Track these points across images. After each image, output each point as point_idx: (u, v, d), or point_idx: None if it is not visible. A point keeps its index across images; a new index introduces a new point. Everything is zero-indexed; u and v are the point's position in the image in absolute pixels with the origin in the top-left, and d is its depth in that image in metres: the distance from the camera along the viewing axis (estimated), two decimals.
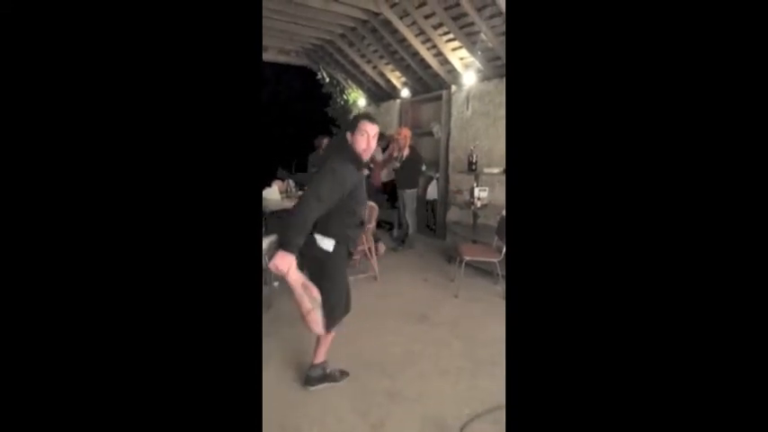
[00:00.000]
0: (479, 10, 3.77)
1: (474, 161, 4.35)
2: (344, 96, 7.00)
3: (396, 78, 5.97)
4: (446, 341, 2.62)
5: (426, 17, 4.31)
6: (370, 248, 3.80)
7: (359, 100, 6.86)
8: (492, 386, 2.11)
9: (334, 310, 1.89)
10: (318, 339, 2.03)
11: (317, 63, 6.69)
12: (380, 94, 6.44)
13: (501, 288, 3.50)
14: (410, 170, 4.66)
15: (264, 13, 4.36)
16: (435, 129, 5.63)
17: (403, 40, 4.87)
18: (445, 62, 4.92)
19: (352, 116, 1.93)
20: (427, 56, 4.90)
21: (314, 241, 1.79)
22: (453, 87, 5.19)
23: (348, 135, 1.85)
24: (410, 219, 4.78)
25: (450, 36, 4.43)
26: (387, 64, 5.77)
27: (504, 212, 3.55)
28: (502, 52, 4.06)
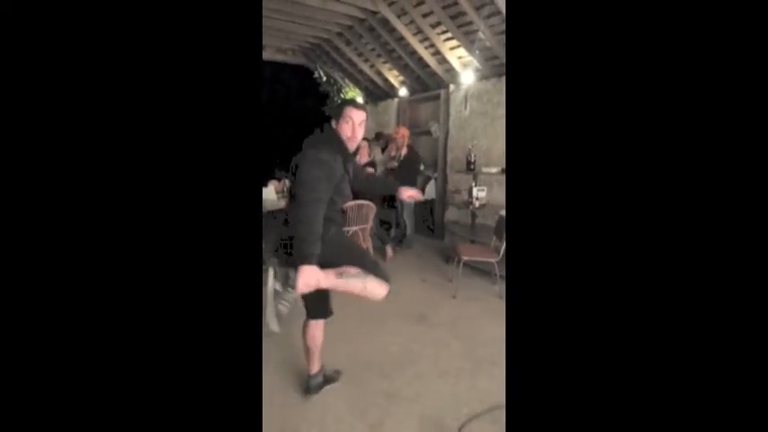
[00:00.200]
0: (477, 9, 3.76)
1: (472, 160, 4.34)
2: (342, 95, 6.99)
3: (393, 77, 5.96)
4: (444, 341, 2.62)
5: (424, 16, 4.31)
6: (368, 248, 3.79)
7: (356, 99, 6.85)
8: (491, 386, 2.11)
9: (375, 265, 1.76)
10: (309, 349, 1.93)
11: (314, 62, 6.68)
12: (378, 92, 6.43)
13: (499, 288, 3.50)
14: (408, 170, 4.65)
15: (263, 12, 4.34)
16: (433, 128, 5.63)
17: (401, 39, 4.86)
18: (443, 61, 4.91)
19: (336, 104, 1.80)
20: (425, 54, 4.89)
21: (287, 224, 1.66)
22: (451, 86, 5.19)
23: (333, 122, 1.70)
24: (408, 219, 4.77)
25: (449, 35, 4.43)
26: (384, 63, 5.76)
27: (502, 212, 3.55)
28: (500, 51, 4.06)
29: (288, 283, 1.48)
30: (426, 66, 5.12)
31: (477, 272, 3.89)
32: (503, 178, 4.20)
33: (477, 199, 4.19)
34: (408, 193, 2.05)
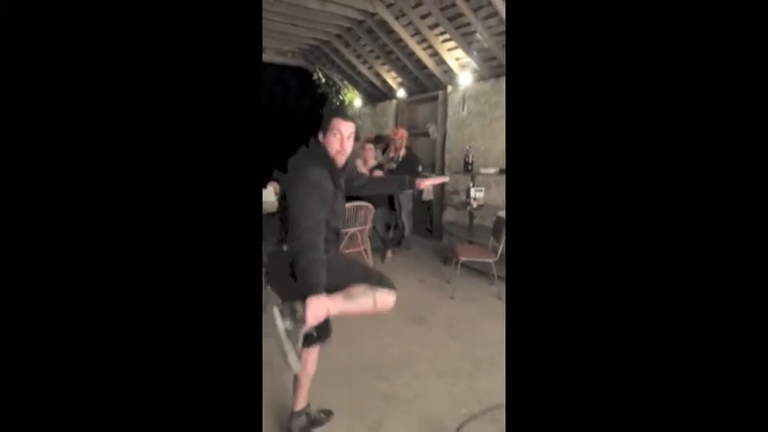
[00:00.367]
0: (475, 10, 3.77)
1: (470, 161, 4.35)
2: (340, 97, 7.00)
3: (392, 79, 5.97)
4: (443, 342, 2.62)
5: (422, 17, 4.31)
6: (366, 250, 3.79)
7: (355, 100, 6.86)
8: (489, 386, 2.11)
9: (382, 279, 1.66)
10: (297, 381, 1.74)
11: (313, 63, 6.68)
12: (376, 94, 6.44)
13: (497, 288, 3.51)
14: (407, 170, 4.64)
15: (263, 14, 4.35)
16: (431, 129, 5.64)
17: (399, 41, 4.87)
18: (441, 62, 4.92)
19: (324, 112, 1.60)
20: (423, 56, 4.90)
21: (288, 255, 1.50)
22: (449, 88, 5.20)
23: (320, 136, 1.57)
24: (406, 220, 4.77)
25: (447, 36, 4.44)
26: (383, 64, 5.76)
27: (499, 213, 3.56)
28: (498, 52, 4.07)
29: (296, 317, 1.36)
30: (424, 67, 5.13)
31: (475, 272, 3.89)
32: (500, 179, 4.21)
33: (474, 200, 4.19)
34: (427, 182, 1.98)
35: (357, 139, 1.64)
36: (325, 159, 1.55)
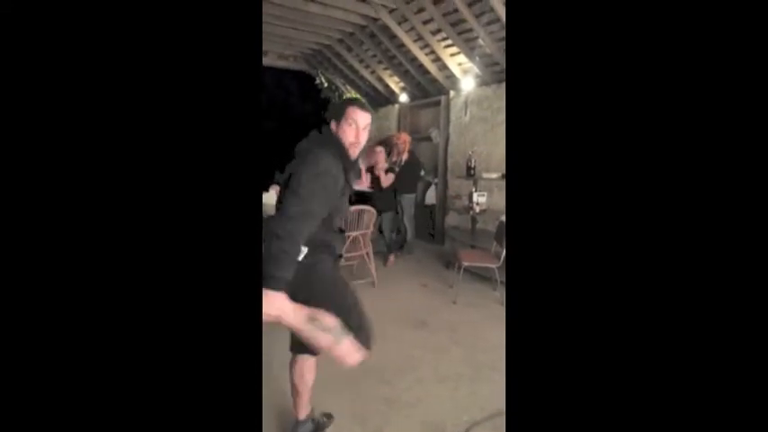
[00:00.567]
0: (478, 16, 3.79)
1: (472, 166, 4.36)
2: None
3: (394, 83, 6.00)
4: (445, 347, 2.61)
5: (425, 23, 4.33)
6: (368, 253, 3.79)
7: (360, 98, 6.86)
8: (491, 392, 2.10)
9: (362, 324, 1.42)
10: (297, 390, 1.64)
11: (315, 68, 6.72)
12: (379, 98, 6.46)
13: (499, 294, 3.50)
14: (409, 175, 4.66)
15: (264, 18, 4.38)
16: (434, 134, 5.65)
17: (401, 46, 4.89)
18: (443, 67, 4.94)
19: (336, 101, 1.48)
20: (425, 61, 4.92)
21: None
22: (452, 92, 5.21)
23: (333, 125, 1.43)
24: (408, 224, 4.78)
25: (449, 42, 4.46)
26: (385, 69, 5.79)
27: (502, 218, 3.56)
28: (500, 58, 4.08)
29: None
30: (427, 72, 5.15)
31: (477, 277, 3.89)
32: (503, 184, 4.22)
33: (477, 204, 4.20)
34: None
35: None
36: (338, 149, 1.38)
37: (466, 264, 3.33)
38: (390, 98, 6.26)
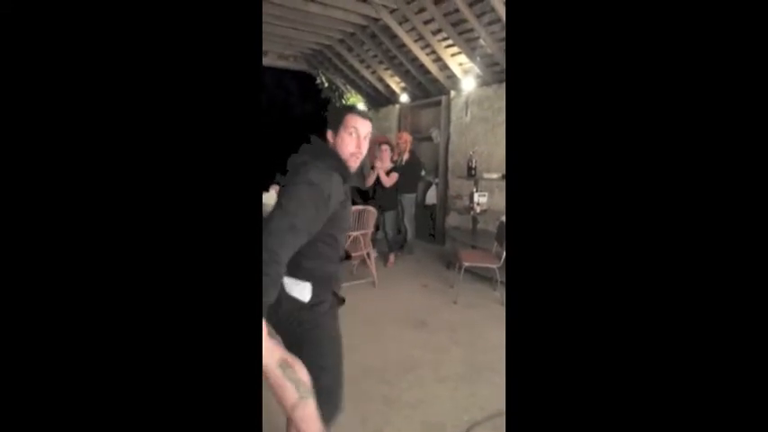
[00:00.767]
0: (479, 16, 3.79)
1: (473, 166, 4.36)
2: (343, 101, 7.03)
3: (395, 83, 6.00)
4: (445, 347, 2.61)
5: (426, 23, 4.33)
6: (368, 253, 3.79)
7: (358, 105, 6.89)
8: (491, 392, 2.10)
9: (332, 392, 1.25)
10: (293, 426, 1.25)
11: (316, 68, 6.72)
12: (379, 99, 6.46)
13: (500, 294, 3.50)
14: (410, 175, 4.66)
15: (264, 18, 4.38)
16: (434, 134, 5.65)
17: (402, 46, 4.89)
18: (444, 67, 4.94)
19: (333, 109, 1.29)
20: (426, 61, 4.92)
21: (280, 288, 1.15)
22: (452, 93, 5.21)
23: (329, 135, 1.30)
24: (409, 224, 4.78)
25: (450, 42, 4.46)
26: (386, 69, 5.79)
27: (503, 218, 3.56)
28: (501, 58, 4.08)
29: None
30: (427, 72, 5.15)
31: (478, 278, 3.89)
32: (504, 184, 4.22)
33: (478, 204, 4.19)
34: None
35: None
36: (335, 160, 1.25)
37: (466, 264, 3.33)
38: (391, 98, 6.27)
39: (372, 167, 4.49)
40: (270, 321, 1.16)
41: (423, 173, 5.00)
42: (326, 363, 1.25)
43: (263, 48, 5.71)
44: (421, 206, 5.64)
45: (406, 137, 4.72)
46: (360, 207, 3.63)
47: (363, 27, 4.93)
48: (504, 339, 0.80)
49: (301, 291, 1.20)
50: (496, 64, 4.31)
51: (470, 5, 3.75)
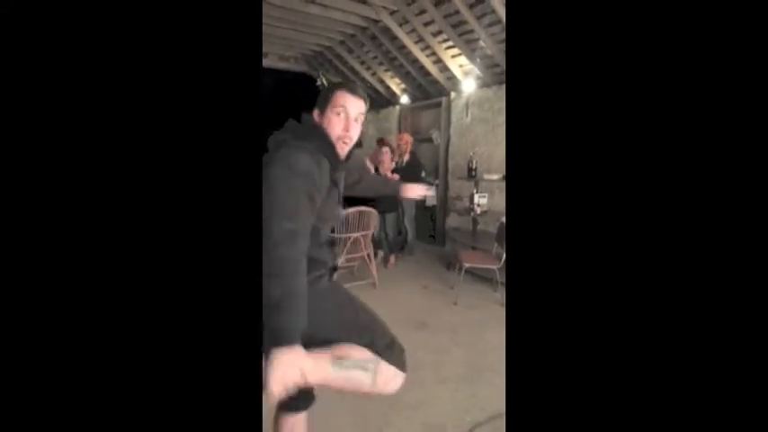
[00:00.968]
0: (479, 18, 3.79)
1: (473, 167, 4.36)
2: None
3: (395, 85, 6.00)
4: (446, 348, 2.61)
5: (426, 24, 4.34)
6: (369, 255, 3.79)
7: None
8: (492, 393, 2.10)
9: (389, 339, 1.25)
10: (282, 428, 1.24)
11: (316, 69, 6.72)
12: (380, 100, 6.47)
13: (500, 295, 3.50)
14: (410, 176, 4.65)
15: (264, 20, 4.39)
16: (434, 135, 5.65)
17: (402, 47, 4.89)
18: (444, 69, 4.95)
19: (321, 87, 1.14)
20: (427, 63, 4.92)
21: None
22: (453, 94, 5.21)
23: (315, 114, 1.14)
24: (409, 225, 4.78)
25: (450, 43, 4.46)
26: (386, 71, 5.79)
27: (503, 219, 3.56)
28: (501, 59, 4.08)
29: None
30: (428, 73, 5.15)
31: (478, 279, 3.89)
32: (504, 185, 4.22)
33: (478, 206, 4.19)
34: (415, 192, 1.62)
35: (359, 145, 1.27)
36: (324, 143, 1.09)
37: (467, 265, 3.33)
38: (391, 99, 6.27)
39: (376, 170, 4.49)
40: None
41: (423, 174, 5.00)
42: (359, 320, 1.20)
43: (263, 49, 5.71)
44: (421, 207, 5.64)
45: (407, 138, 4.72)
46: (360, 208, 3.63)
47: (364, 29, 4.93)
48: (504, 340, 0.80)
49: None
50: (497, 65, 4.31)
51: (471, 7, 3.75)
